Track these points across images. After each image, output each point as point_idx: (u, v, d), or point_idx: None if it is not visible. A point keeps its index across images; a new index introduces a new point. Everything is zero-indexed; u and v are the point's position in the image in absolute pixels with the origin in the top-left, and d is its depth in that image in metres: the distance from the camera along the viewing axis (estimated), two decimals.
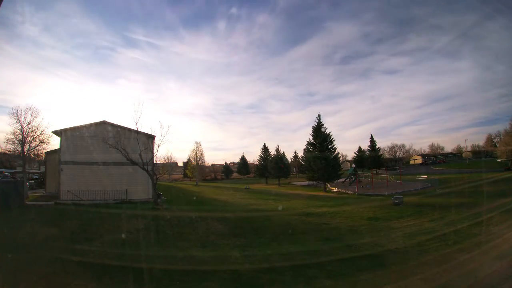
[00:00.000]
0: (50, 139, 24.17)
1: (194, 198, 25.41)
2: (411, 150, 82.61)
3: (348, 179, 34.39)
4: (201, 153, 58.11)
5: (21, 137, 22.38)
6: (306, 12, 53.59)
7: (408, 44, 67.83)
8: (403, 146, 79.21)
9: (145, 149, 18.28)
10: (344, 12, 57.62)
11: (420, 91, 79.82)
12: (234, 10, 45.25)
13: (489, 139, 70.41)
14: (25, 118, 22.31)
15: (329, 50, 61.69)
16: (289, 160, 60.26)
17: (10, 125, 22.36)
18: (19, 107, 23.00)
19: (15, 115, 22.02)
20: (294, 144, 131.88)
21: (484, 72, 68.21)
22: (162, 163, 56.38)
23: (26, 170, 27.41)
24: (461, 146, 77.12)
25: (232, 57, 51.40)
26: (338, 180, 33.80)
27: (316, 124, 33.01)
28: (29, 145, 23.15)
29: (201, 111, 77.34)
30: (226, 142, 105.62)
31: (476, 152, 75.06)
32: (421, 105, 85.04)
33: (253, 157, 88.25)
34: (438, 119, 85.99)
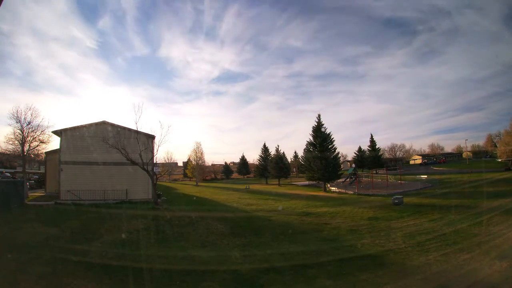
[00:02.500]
0: (50, 139, 24.16)
1: (194, 198, 25.41)
2: (411, 150, 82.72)
3: (348, 179, 34.37)
4: (201, 153, 58.08)
5: (21, 137, 22.36)
6: (245, 94, 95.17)
7: (314, 104, 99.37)
8: (403, 146, 79.29)
9: (145, 149, 18.26)
10: (265, 92, 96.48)
11: (352, 117, 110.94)
12: (210, 97, 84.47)
13: (489, 139, 70.51)
14: (25, 118, 22.31)
15: (267, 106, 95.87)
16: (289, 160, 60.30)
17: (10, 125, 22.34)
18: (19, 107, 22.88)
19: (15, 115, 22.01)
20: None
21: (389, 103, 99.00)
22: (162, 163, 56.36)
23: (26, 170, 27.36)
24: (461, 146, 77.52)
25: (213, 111, 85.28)
26: (338, 180, 33.76)
27: (316, 124, 32.90)
28: (29, 145, 23.12)
29: (199, 130, 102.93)
30: (223, 149, 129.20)
31: (476, 152, 75.15)
32: (359, 125, 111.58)
33: (253, 157, 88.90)
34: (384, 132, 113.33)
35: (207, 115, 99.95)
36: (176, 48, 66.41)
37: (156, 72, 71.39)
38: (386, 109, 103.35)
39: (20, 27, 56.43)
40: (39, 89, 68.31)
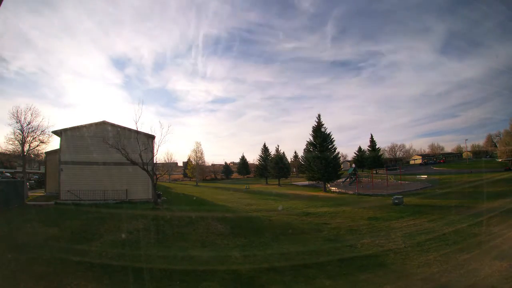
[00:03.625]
0: (50, 139, 24.14)
1: (194, 198, 25.41)
2: (411, 150, 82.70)
3: (348, 179, 34.38)
4: (201, 153, 58.10)
5: (21, 137, 22.35)
6: (235, 110, 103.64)
7: (294, 117, 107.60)
8: (403, 146, 79.29)
9: (145, 149, 18.24)
10: (251, 108, 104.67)
11: (329, 127, 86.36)
12: (207, 113, 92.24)
13: (489, 139, 70.51)
14: (25, 118, 22.29)
15: (254, 118, 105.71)
16: (289, 160, 60.28)
17: (10, 125, 22.32)
18: (19, 107, 22.87)
19: (15, 115, 22.00)
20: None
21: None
22: (162, 163, 56.36)
23: (26, 170, 27.33)
24: (461, 146, 77.60)
25: (210, 123, 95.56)
26: (338, 180, 33.77)
27: (316, 124, 32.91)
28: (29, 145, 23.10)
29: (199, 136, 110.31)
30: (221, 152, 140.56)
31: (476, 152, 75.16)
32: (339, 132, 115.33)
33: (253, 157, 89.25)
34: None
35: (205, 125, 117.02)
36: (180, 84, 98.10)
37: (164, 97, 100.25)
38: (359, 119, 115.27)
39: (63, 70, 74.49)
40: (66, 107, 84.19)
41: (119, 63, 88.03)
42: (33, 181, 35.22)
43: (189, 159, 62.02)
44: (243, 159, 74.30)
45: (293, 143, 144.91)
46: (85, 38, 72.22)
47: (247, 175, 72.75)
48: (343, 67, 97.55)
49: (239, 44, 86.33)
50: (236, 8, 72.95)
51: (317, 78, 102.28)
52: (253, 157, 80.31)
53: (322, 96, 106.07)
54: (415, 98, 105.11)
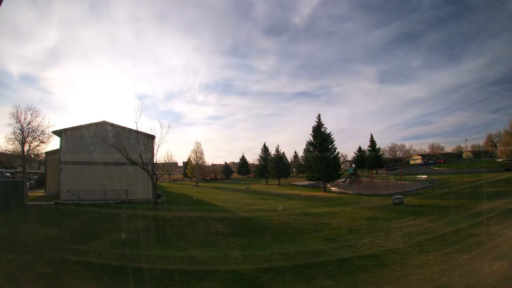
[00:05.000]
0: (50, 139, 24.10)
1: (194, 198, 25.41)
2: (411, 150, 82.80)
3: (348, 179, 34.39)
4: (201, 153, 58.09)
5: (21, 137, 22.33)
6: (228, 124, 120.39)
7: (276, 127, 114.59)
8: (403, 146, 79.35)
9: (145, 149, 18.23)
10: (240, 121, 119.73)
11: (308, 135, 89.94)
12: (204, 125, 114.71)
13: (489, 139, 70.54)
14: (25, 118, 22.26)
15: (244, 130, 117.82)
16: (289, 160, 60.27)
17: (10, 125, 22.29)
18: (19, 106, 22.85)
19: (15, 114, 21.98)
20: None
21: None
22: (162, 163, 56.31)
23: (26, 170, 27.32)
24: (461, 146, 77.67)
25: (207, 132, 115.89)
26: (338, 180, 33.77)
27: (316, 124, 32.90)
28: (29, 145, 23.08)
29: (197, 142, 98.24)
30: (220, 154, 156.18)
31: (476, 152, 75.21)
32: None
33: (253, 157, 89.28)
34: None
35: (204, 133, 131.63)
36: (183, 108, 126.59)
37: (171, 116, 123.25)
38: (334, 128, 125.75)
39: (96, 100, 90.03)
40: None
41: (140, 97, 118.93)
42: (33, 181, 35.21)
43: (189, 159, 62.03)
44: (243, 159, 74.23)
45: (291, 144, 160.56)
46: (118, 85, 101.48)
47: (247, 175, 72.67)
48: (303, 95, 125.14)
49: (222, 87, 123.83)
50: (218, 69, 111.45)
51: (284, 103, 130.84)
52: (253, 157, 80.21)
53: (294, 113, 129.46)
54: (374, 113, 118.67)
